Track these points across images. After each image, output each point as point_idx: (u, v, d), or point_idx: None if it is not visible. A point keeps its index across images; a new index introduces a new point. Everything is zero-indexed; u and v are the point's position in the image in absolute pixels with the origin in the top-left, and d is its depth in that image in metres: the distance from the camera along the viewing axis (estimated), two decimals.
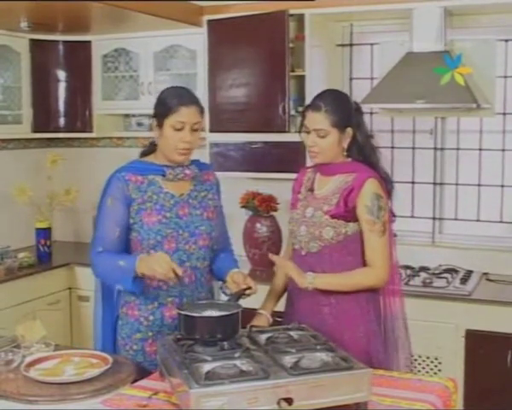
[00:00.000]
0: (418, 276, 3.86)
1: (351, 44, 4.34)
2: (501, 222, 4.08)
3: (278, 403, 1.88)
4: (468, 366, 3.49)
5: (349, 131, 2.53)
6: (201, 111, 2.56)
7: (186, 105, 2.49)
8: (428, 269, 3.97)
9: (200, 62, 4.29)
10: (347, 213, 2.48)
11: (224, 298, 2.58)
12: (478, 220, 4.13)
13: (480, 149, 4.08)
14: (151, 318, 2.56)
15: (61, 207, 4.70)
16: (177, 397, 2.00)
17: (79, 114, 4.74)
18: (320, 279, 2.46)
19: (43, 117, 4.65)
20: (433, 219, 4.22)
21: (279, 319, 2.65)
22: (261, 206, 4.21)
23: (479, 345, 3.46)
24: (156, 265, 2.33)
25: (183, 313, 2.21)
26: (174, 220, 2.54)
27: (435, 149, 4.18)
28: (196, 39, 4.27)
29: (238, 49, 4.10)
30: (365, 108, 2.85)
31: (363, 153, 2.57)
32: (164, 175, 2.56)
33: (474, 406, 3.45)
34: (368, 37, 4.29)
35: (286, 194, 2.90)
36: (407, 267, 3.96)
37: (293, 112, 4.00)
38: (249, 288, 2.48)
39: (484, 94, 3.67)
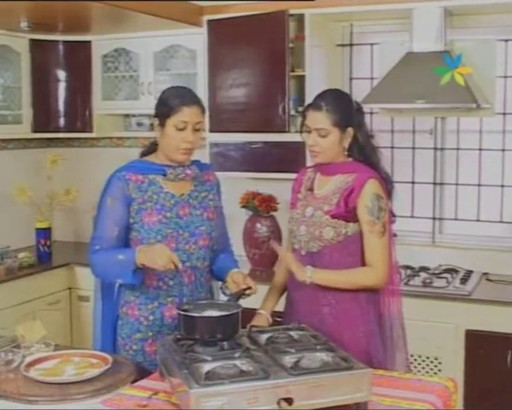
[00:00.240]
0: (418, 276, 3.86)
1: (351, 44, 4.34)
2: (501, 222, 4.08)
3: (278, 403, 1.87)
4: (468, 366, 3.49)
5: (350, 130, 2.53)
6: (203, 111, 2.57)
7: (188, 105, 2.50)
8: (428, 269, 3.97)
9: (200, 62, 4.29)
10: (348, 213, 2.48)
11: (223, 298, 2.58)
12: (478, 220, 4.13)
13: (480, 149, 4.08)
14: (151, 318, 2.56)
15: (61, 207, 4.70)
16: (177, 397, 2.00)
17: (79, 114, 4.74)
18: (319, 274, 2.46)
19: (43, 117, 4.65)
20: (433, 219, 4.22)
21: (279, 319, 2.65)
22: (261, 206, 4.21)
23: (479, 345, 3.46)
24: (156, 256, 2.35)
25: (182, 313, 2.21)
26: (174, 220, 2.54)
27: (435, 149, 4.18)
28: (196, 39, 4.27)
29: (238, 49, 4.10)
30: (365, 108, 2.84)
31: (363, 153, 2.57)
32: (165, 175, 2.56)
33: (474, 406, 3.45)
34: (368, 37, 4.29)
35: (286, 194, 2.89)
36: (407, 267, 3.96)
37: (293, 112, 3.99)
38: (249, 288, 2.48)
39: (484, 94, 3.67)
